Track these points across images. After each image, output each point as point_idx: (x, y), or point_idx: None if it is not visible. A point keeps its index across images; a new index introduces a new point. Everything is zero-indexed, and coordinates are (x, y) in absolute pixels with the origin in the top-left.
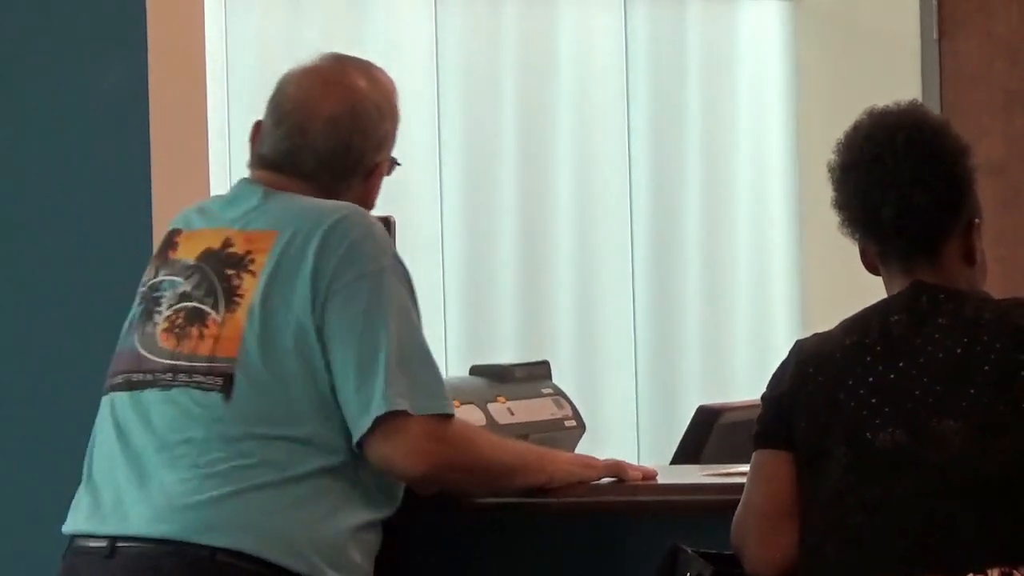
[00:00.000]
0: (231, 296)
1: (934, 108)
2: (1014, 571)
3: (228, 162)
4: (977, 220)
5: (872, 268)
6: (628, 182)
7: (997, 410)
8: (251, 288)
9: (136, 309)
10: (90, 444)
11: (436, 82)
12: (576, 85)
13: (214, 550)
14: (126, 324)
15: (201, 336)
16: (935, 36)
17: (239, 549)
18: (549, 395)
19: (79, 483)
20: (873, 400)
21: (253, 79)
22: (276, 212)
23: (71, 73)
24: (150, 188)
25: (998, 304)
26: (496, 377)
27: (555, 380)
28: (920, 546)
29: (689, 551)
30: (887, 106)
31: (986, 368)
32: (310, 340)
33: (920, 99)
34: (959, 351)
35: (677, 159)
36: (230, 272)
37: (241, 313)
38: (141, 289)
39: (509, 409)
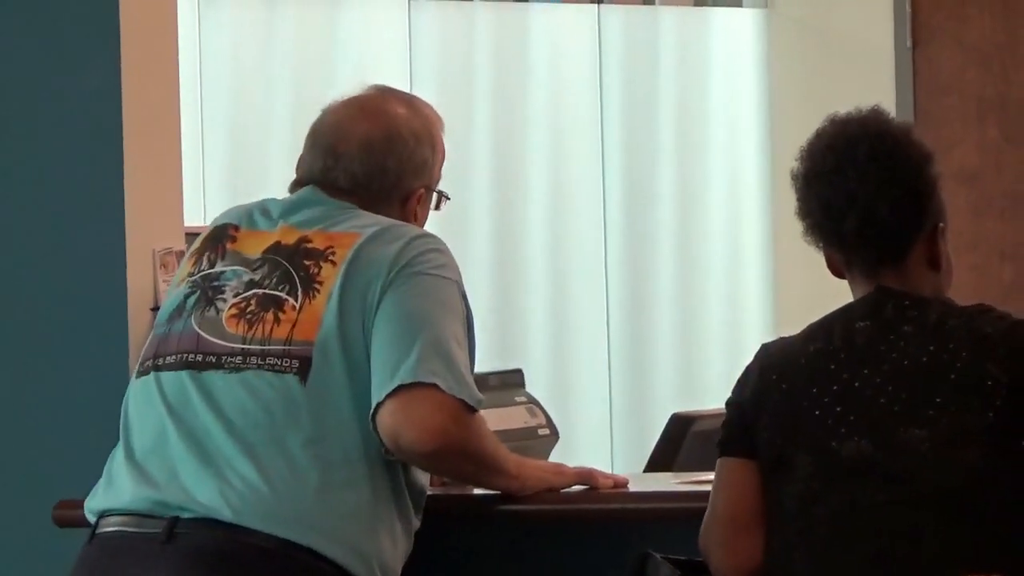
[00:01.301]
0: (310, 283)
1: (907, 116)
2: None
3: (201, 162)
4: (942, 225)
5: (838, 274)
6: (601, 189)
7: (964, 419)
8: (331, 276)
9: (185, 298)
10: (124, 423)
11: (410, 84)
12: (549, 90)
13: (287, 543)
14: (167, 312)
15: (277, 321)
16: (908, 44)
17: (316, 548)
18: (522, 403)
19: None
20: (838, 409)
21: (226, 80)
22: (354, 218)
23: (43, 76)
24: (123, 190)
25: (963, 311)
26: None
27: (528, 388)
28: (887, 556)
29: (658, 557)
30: (849, 113)
31: (952, 377)
32: (370, 322)
33: (894, 107)
34: (925, 359)
35: (650, 167)
36: (308, 263)
37: (321, 299)
38: (190, 279)
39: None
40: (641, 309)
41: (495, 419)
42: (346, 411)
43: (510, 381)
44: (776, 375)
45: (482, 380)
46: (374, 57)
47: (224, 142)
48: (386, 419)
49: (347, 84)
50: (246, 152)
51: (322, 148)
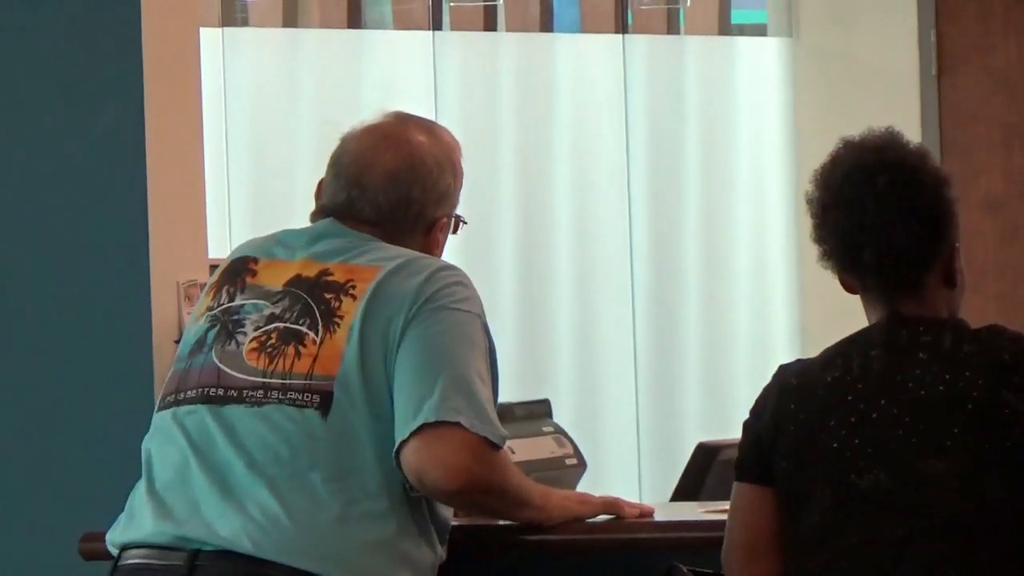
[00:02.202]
0: (331, 317)
1: (933, 144)
2: None
3: (227, 194)
4: (958, 244)
5: (851, 290)
6: (628, 218)
7: (982, 449)
8: (352, 310)
9: (205, 331)
10: (145, 457)
11: (435, 115)
12: (575, 119)
13: (308, 575)
14: (187, 346)
15: (298, 355)
16: (934, 72)
17: None
18: (550, 433)
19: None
20: (856, 441)
21: (250, 112)
22: (376, 251)
23: (67, 108)
24: (147, 222)
25: (976, 335)
26: (498, 415)
27: (555, 418)
28: None
29: (684, 569)
30: (864, 137)
31: (970, 407)
32: (392, 357)
33: (919, 135)
34: (941, 388)
35: (676, 196)
36: (329, 296)
37: (341, 333)
38: (210, 313)
39: (510, 448)
40: (668, 337)
41: (522, 449)
42: (368, 446)
43: (537, 411)
44: (794, 404)
45: (509, 410)
46: (399, 88)
47: (248, 174)
48: (410, 457)
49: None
50: (270, 184)
51: (346, 179)
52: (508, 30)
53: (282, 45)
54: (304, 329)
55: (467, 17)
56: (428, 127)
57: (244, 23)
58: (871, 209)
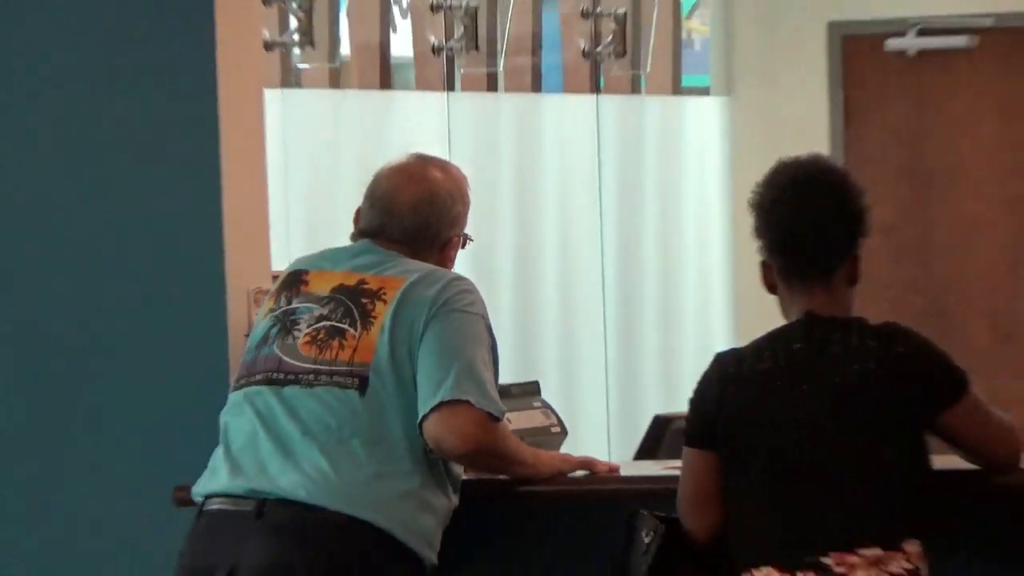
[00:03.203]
0: (367, 317)
1: None
2: (903, 545)
3: (287, 220)
4: (858, 253)
5: (771, 287)
6: (600, 239)
7: (883, 424)
8: (383, 312)
9: (270, 328)
10: (223, 427)
11: (449, 159)
12: (559, 161)
13: (353, 520)
14: (256, 340)
15: (341, 347)
16: (842, 125)
17: (373, 522)
18: (539, 408)
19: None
20: (784, 417)
21: (305, 156)
22: (402, 265)
23: (159, 162)
24: (223, 243)
25: (876, 331)
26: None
27: (543, 395)
28: (826, 532)
29: (644, 513)
30: (797, 157)
31: (872, 391)
32: (416, 347)
33: None
34: (852, 377)
35: (638, 220)
36: (365, 300)
37: (375, 330)
38: (273, 313)
39: (508, 419)
40: (631, 332)
41: (517, 420)
42: (396, 418)
43: (529, 390)
44: (733, 388)
45: (506, 390)
46: (421, 135)
47: (303, 203)
48: (430, 427)
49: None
50: (320, 211)
51: (379, 208)
52: (506, 91)
53: (328, 102)
54: (346, 326)
55: (474, 80)
56: (443, 165)
57: (298, 85)
58: (809, 204)
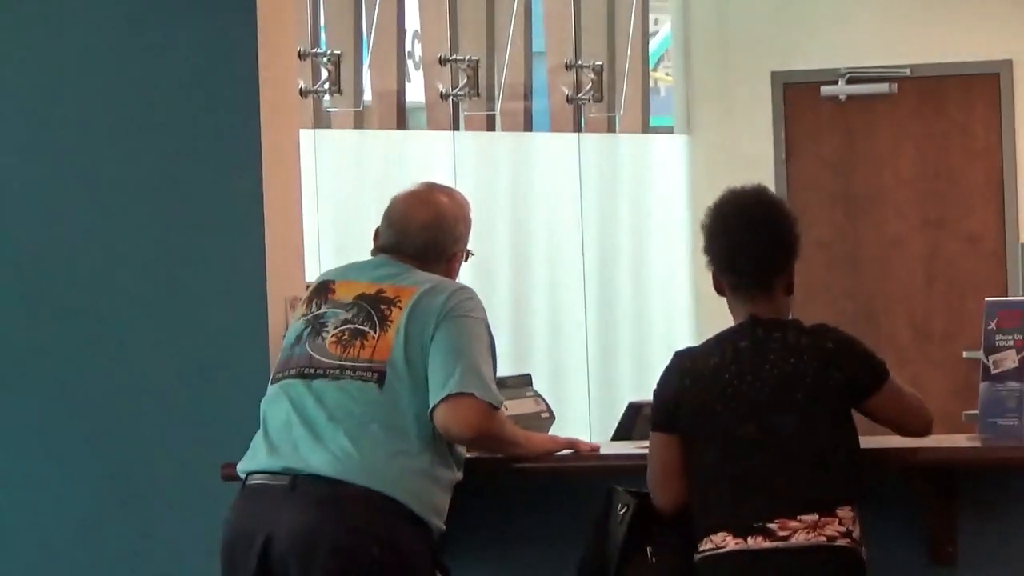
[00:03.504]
0: (384, 321)
1: None
2: (837, 510)
3: (317, 239)
4: (794, 265)
5: (720, 292)
6: (582, 257)
7: (817, 407)
8: (399, 317)
9: (303, 330)
10: (263, 414)
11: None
12: (547, 188)
13: (371, 491)
14: (291, 340)
15: (363, 346)
16: (783, 157)
17: (388, 493)
18: (531, 396)
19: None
20: (733, 404)
21: (333, 183)
22: (414, 277)
23: (206, 190)
24: (264, 257)
25: (811, 331)
26: (496, 385)
27: (535, 386)
28: (769, 501)
29: (620, 489)
30: (744, 187)
31: (807, 379)
32: (427, 347)
33: None
34: (788, 369)
35: (613, 242)
36: (383, 307)
37: (392, 332)
38: (305, 317)
39: (505, 406)
40: (609, 335)
41: (513, 407)
42: (410, 406)
43: (523, 381)
44: (689, 381)
45: (503, 381)
46: (431, 170)
47: (331, 225)
48: (440, 416)
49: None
50: (346, 232)
51: (395, 229)
52: (503, 130)
53: (353, 140)
54: (367, 329)
55: (475, 121)
56: (448, 192)
57: (328, 126)
58: (746, 231)
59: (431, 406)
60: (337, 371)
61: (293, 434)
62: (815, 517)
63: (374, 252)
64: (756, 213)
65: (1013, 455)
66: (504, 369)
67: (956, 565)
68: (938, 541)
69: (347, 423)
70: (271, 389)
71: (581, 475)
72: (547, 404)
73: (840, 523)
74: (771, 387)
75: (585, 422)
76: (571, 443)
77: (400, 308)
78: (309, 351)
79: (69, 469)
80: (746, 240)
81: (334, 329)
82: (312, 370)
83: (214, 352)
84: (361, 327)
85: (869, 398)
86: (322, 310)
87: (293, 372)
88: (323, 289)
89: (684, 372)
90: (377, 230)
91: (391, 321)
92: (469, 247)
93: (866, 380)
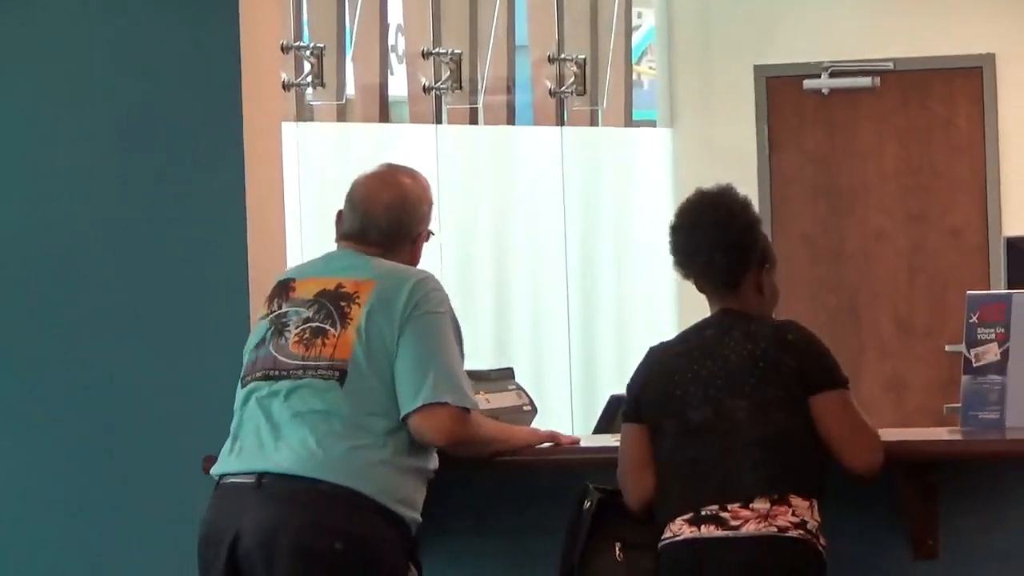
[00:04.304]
0: (344, 319)
1: (766, 200)
2: (790, 498)
3: (300, 232)
4: (767, 265)
5: (701, 290)
6: (564, 250)
7: (770, 393)
8: (358, 314)
9: (266, 331)
10: (235, 416)
11: (437, 183)
12: (530, 181)
13: (334, 486)
14: (254, 341)
15: (324, 345)
16: (767, 151)
17: (351, 487)
18: (513, 390)
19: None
20: (691, 389)
21: (316, 177)
22: (374, 268)
23: (189, 182)
24: (247, 252)
25: (774, 323)
26: (478, 378)
27: (517, 379)
28: (722, 484)
29: (590, 486)
30: (709, 189)
31: (762, 364)
32: (391, 348)
33: (757, 194)
34: (746, 354)
35: (596, 235)
36: (343, 304)
37: (352, 330)
38: (267, 317)
39: (487, 399)
40: (591, 328)
41: (495, 400)
42: (373, 402)
43: (505, 375)
44: (655, 368)
45: (485, 375)
46: (414, 163)
47: (314, 218)
48: (414, 425)
49: None
50: (328, 224)
51: (359, 211)
52: (485, 123)
53: (336, 133)
54: (327, 327)
55: (458, 115)
56: (411, 173)
57: (311, 119)
58: (701, 234)
59: (403, 413)
60: (300, 371)
61: (260, 434)
62: (767, 506)
63: (338, 239)
64: (711, 215)
65: (994, 448)
66: (486, 362)
67: (937, 559)
68: (919, 535)
69: (310, 421)
70: (239, 392)
71: (562, 468)
72: (529, 397)
73: (793, 513)
74: (727, 373)
75: (567, 415)
76: (552, 436)
77: (359, 305)
78: (273, 352)
79: (50, 461)
80: (700, 241)
81: (296, 328)
82: (276, 372)
83: (195, 344)
84: (322, 325)
85: (817, 394)
86: (284, 309)
87: (259, 375)
88: (283, 288)
89: (651, 364)
90: (340, 213)
91: (351, 319)
92: (431, 228)
93: (817, 376)
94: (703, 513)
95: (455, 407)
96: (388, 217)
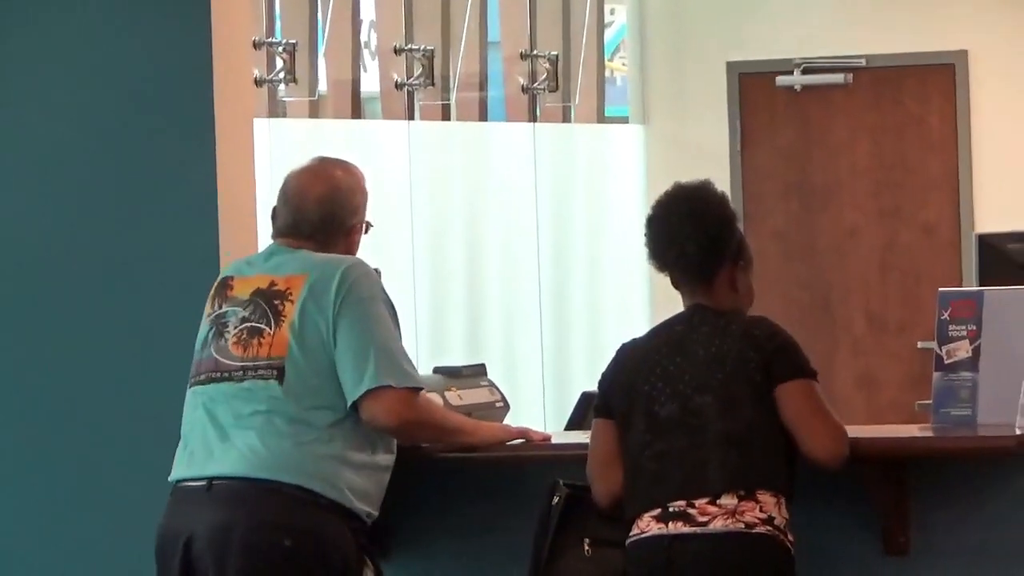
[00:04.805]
0: (278, 317)
1: (739, 196)
2: (757, 494)
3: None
4: (741, 263)
5: (675, 285)
6: (537, 246)
7: (737, 389)
8: (291, 311)
9: (208, 332)
10: (184, 422)
11: (409, 178)
12: (502, 176)
13: (280, 484)
14: (199, 342)
15: (260, 344)
16: (739, 148)
17: (297, 483)
18: (485, 386)
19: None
20: (659, 384)
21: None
22: (303, 262)
23: (161, 176)
24: (218, 244)
25: (743, 319)
26: (450, 374)
27: (489, 376)
28: (689, 479)
29: (560, 482)
30: (688, 182)
31: (729, 360)
32: (327, 339)
33: (731, 190)
34: (713, 350)
35: (569, 232)
36: (276, 302)
37: (285, 327)
38: (209, 317)
39: (459, 395)
40: (563, 324)
41: (467, 397)
42: (314, 396)
43: (477, 371)
44: (626, 363)
45: (457, 371)
46: (385, 159)
47: None
48: (364, 412)
49: (370, 177)
50: None
51: (291, 206)
52: (458, 119)
53: (308, 130)
54: (263, 326)
55: (431, 111)
56: (343, 165)
57: (283, 115)
58: (674, 226)
59: (350, 402)
60: (240, 372)
61: (207, 439)
62: (734, 502)
63: (274, 235)
64: (686, 207)
65: (966, 445)
66: (458, 359)
67: (908, 555)
68: (891, 531)
69: (254, 423)
70: (187, 395)
71: (533, 465)
72: (501, 393)
73: (761, 509)
74: (694, 368)
75: (539, 412)
76: (523, 432)
77: (292, 301)
78: (214, 354)
79: (10, 459)
80: (674, 232)
81: (234, 329)
82: (218, 374)
83: (166, 341)
84: (258, 324)
85: (779, 388)
86: (223, 309)
87: (203, 378)
88: (222, 286)
89: (621, 360)
90: (274, 210)
91: (284, 316)
92: (368, 219)
93: (782, 368)
94: (670, 509)
95: (400, 388)
96: (320, 210)
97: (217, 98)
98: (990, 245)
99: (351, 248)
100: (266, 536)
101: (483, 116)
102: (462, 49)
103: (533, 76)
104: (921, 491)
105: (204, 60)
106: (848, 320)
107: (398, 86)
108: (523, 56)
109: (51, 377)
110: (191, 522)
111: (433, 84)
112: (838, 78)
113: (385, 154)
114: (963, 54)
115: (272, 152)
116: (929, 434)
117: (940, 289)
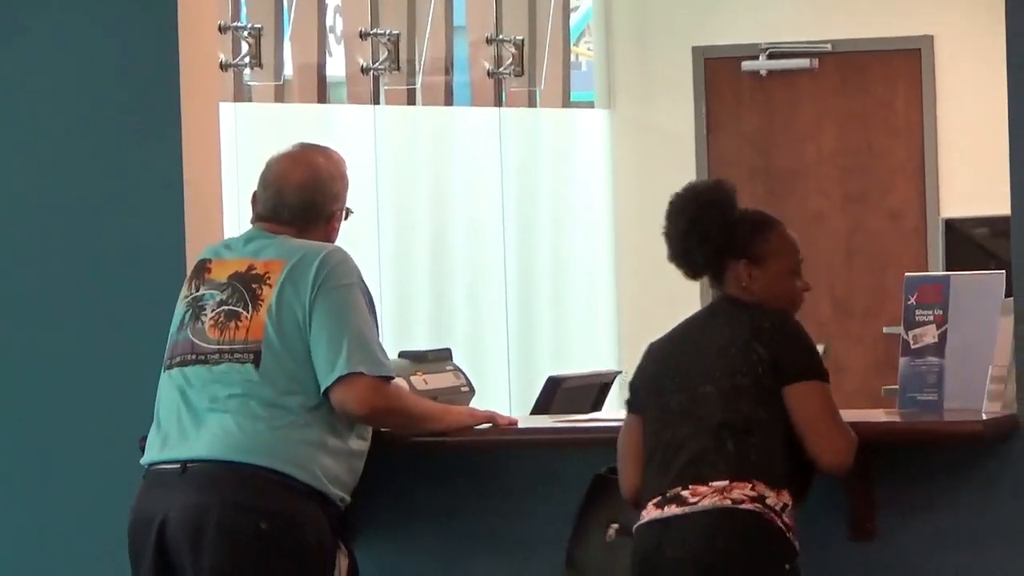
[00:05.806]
0: (256, 301)
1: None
2: (753, 479)
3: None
4: (744, 260)
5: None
6: (502, 231)
7: (739, 380)
8: (269, 295)
9: (184, 314)
10: (156, 404)
11: (375, 162)
12: (468, 161)
13: (256, 467)
14: (175, 325)
15: (237, 328)
16: (705, 132)
17: (272, 467)
18: (451, 371)
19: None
20: (672, 375)
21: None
22: (282, 247)
23: (126, 161)
24: (184, 232)
25: (760, 312)
26: (416, 359)
27: (455, 360)
28: (686, 468)
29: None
30: (702, 182)
31: (732, 352)
32: (303, 325)
33: (695, 175)
34: (721, 341)
35: (534, 216)
36: (254, 286)
37: (263, 311)
38: (186, 300)
39: (425, 380)
40: (528, 309)
41: (433, 381)
42: (290, 381)
43: (443, 356)
44: (650, 360)
45: (423, 356)
46: (351, 143)
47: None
48: (335, 398)
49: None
50: None
51: (271, 192)
52: (423, 104)
53: (274, 114)
54: (240, 309)
55: (396, 95)
56: (324, 151)
57: (249, 99)
58: (688, 226)
59: (323, 388)
60: (216, 355)
61: (182, 421)
62: (725, 483)
63: (254, 220)
64: (690, 208)
65: (932, 430)
66: (424, 343)
67: (875, 541)
68: (857, 517)
69: (229, 405)
70: (162, 378)
71: (499, 449)
72: (467, 378)
73: (752, 488)
74: (704, 358)
75: (505, 396)
76: (490, 416)
77: (270, 286)
78: (191, 337)
79: None
80: (681, 231)
81: (211, 312)
82: (194, 357)
83: (131, 325)
84: (235, 308)
85: (790, 385)
86: (200, 292)
87: (178, 360)
88: (200, 269)
89: (647, 356)
90: (255, 195)
91: (262, 300)
92: (348, 206)
93: (791, 367)
94: (668, 495)
95: (371, 377)
96: (300, 196)
97: (183, 82)
98: (956, 230)
99: (331, 235)
100: (241, 519)
101: (449, 100)
102: (428, 33)
103: (499, 61)
104: (887, 476)
105: (170, 44)
106: (814, 305)
107: (364, 70)
108: (489, 41)
109: (16, 362)
110: (165, 505)
111: (399, 69)
112: (804, 63)
113: (351, 138)
114: (929, 39)
115: (238, 136)
116: (896, 419)
117: (907, 274)
